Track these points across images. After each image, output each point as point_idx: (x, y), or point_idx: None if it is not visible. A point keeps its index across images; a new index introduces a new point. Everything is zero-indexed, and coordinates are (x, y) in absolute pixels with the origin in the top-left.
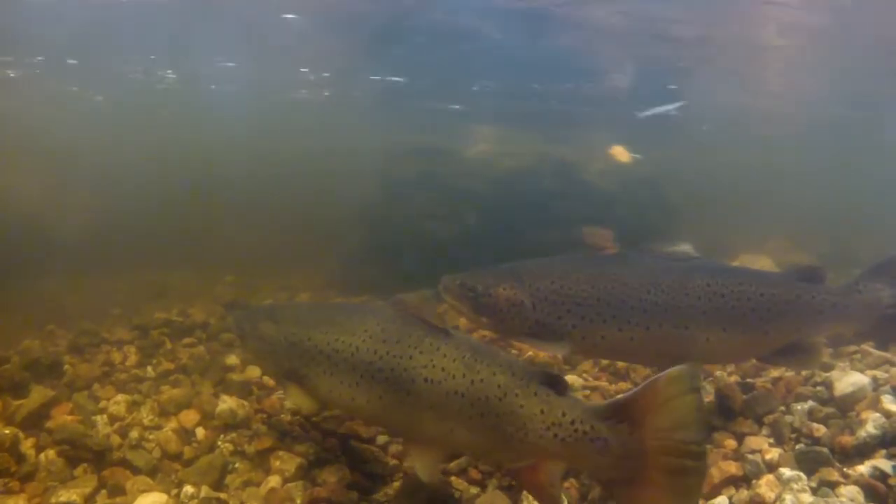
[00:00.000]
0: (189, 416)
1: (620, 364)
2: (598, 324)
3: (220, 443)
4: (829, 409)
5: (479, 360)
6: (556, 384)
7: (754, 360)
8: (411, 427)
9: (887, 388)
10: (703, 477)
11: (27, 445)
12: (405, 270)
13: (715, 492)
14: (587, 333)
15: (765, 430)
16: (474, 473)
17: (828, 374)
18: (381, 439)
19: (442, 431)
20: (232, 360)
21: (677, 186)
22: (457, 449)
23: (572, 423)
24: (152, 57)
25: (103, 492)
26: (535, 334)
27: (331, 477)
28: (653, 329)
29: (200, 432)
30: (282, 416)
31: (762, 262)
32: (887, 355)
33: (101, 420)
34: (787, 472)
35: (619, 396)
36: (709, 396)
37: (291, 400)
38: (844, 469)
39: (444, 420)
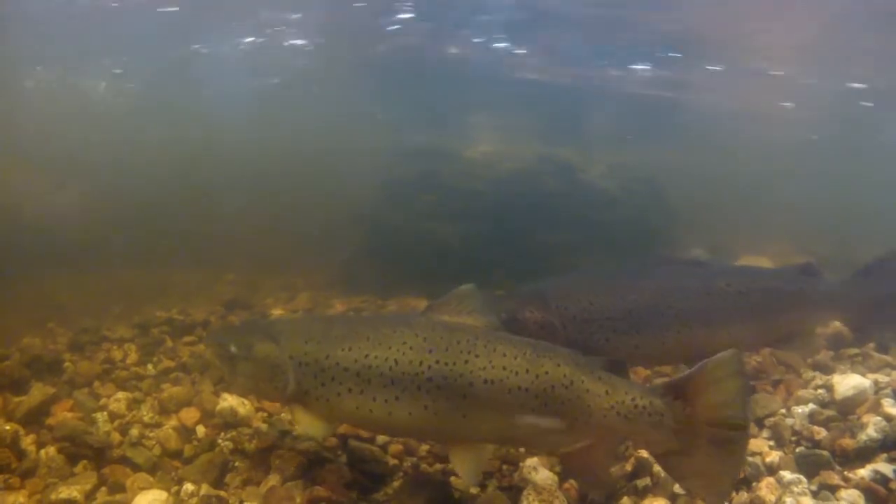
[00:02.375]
0: (189, 414)
1: None
2: (632, 334)
3: (220, 441)
4: (830, 412)
5: (540, 354)
6: (616, 369)
7: (755, 363)
8: (462, 430)
9: (888, 391)
10: (745, 446)
11: (28, 442)
12: (408, 271)
13: None
14: (621, 344)
15: (765, 433)
16: None
17: (828, 377)
18: (381, 439)
19: (499, 428)
20: None
21: (677, 188)
22: (511, 442)
23: (633, 400)
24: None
25: (103, 489)
26: None
27: (330, 476)
28: (682, 331)
29: (201, 430)
30: (282, 414)
31: (762, 264)
32: (888, 358)
33: (101, 417)
34: (787, 474)
35: (675, 377)
36: None
37: (302, 427)
38: (845, 472)
39: (502, 416)
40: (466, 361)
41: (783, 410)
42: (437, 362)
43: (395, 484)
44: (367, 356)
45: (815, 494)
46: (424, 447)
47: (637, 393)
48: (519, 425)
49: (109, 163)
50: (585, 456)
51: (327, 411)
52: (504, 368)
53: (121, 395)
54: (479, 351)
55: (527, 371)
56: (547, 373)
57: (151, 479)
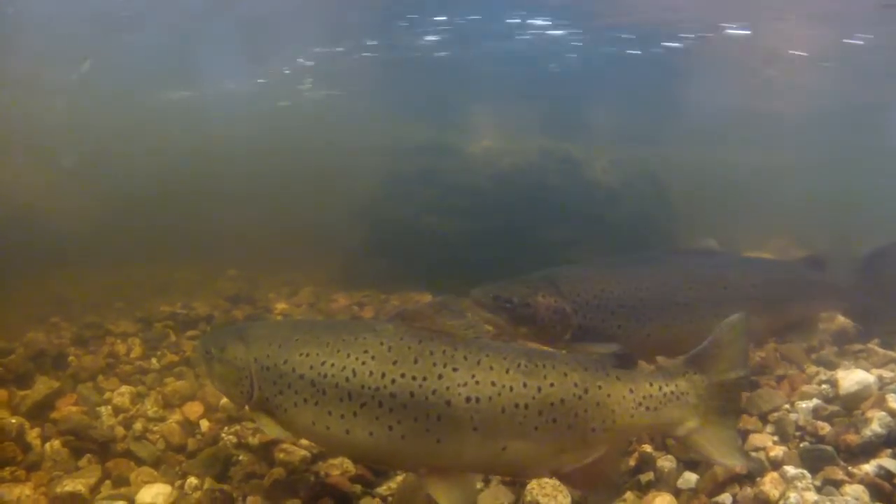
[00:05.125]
0: (193, 408)
1: None
2: (644, 322)
3: (223, 435)
4: (834, 408)
5: (540, 364)
6: (627, 362)
7: (759, 358)
8: (436, 457)
9: (893, 386)
10: (741, 397)
11: (33, 435)
12: (408, 267)
13: (719, 489)
14: (633, 333)
15: (769, 428)
16: None
17: (832, 373)
18: None
19: (489, 453)
20: None
21: (679, 184)
22: (504, 468)
23: (660, 388)
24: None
25: (108, 482)
26: (579, 339)
27: (334, 470)
28: (694, 322)
29: (204, 424)
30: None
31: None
32: (893, 354)
33: (105, 411)
34: (791, 469)
35: (692, 351)
36: None
37: (269, 430)
38: (849, 468)
39: (493, 440)
40: (441, 376)
41: (787, 406)
42: (403, 376)
43: (398, 478)
44: (323, 363)
45: (819, 489)
46: None
47: (660, 380)
48: (512, 449)
49: (113, 163)
50: (593, 469)
51: (286, 423)
52: (493, 384)
53: (125, 389)
54: (459, 363)
55: (524, 385)
56: (552, 385)
57: (155, 472)
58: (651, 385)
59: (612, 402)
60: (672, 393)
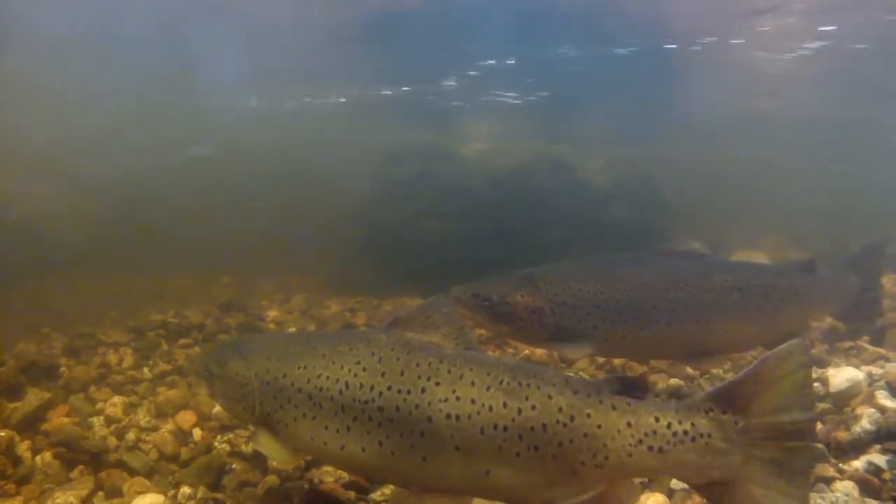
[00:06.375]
0: (186, 418)
1: (616, 361)
2: (621, 324)
3: (216, 444)
4: (825, 405)
5: (523, 383)
6: (633, 389)
7: (750, 357)
8: (424, 476)
9: (882, 383)
10: (812, 458)
11: (23, 448)
12: (404, 270)
13: None
14: (609, 334)
15: None
16: None
17: (823, 371)
18: None
19: (472, 476)
20: None
21: (673, 184)
22: (491, 494)
23: (669, 426)
24: None
25: (100, 493)
26: (556, 338)
27: (328, 477)
28: (674, 326)
29: (197, 433)
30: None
31: (758, 259)
32: (882, 351)
33: (97, 422)
34: None
35: (722, 383)
36: None
37: (263, 449)
38: (839, 464)
39: (475, 462)
40: (424, 389)
41: None
42: (390, 388)
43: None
44: (319, 376)
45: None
46: None
47: (671, 415)
48: (495, 475)
49: (108, 168)
50: None
51: (286, 438)
52: (473, 401)
53: (117, 399)
54: (442, 377)
55: (504, 405)
56: (534, 407)
57: (148, 482)
58: (657, 420)
59: (603, 434)
60: (686, 433)
